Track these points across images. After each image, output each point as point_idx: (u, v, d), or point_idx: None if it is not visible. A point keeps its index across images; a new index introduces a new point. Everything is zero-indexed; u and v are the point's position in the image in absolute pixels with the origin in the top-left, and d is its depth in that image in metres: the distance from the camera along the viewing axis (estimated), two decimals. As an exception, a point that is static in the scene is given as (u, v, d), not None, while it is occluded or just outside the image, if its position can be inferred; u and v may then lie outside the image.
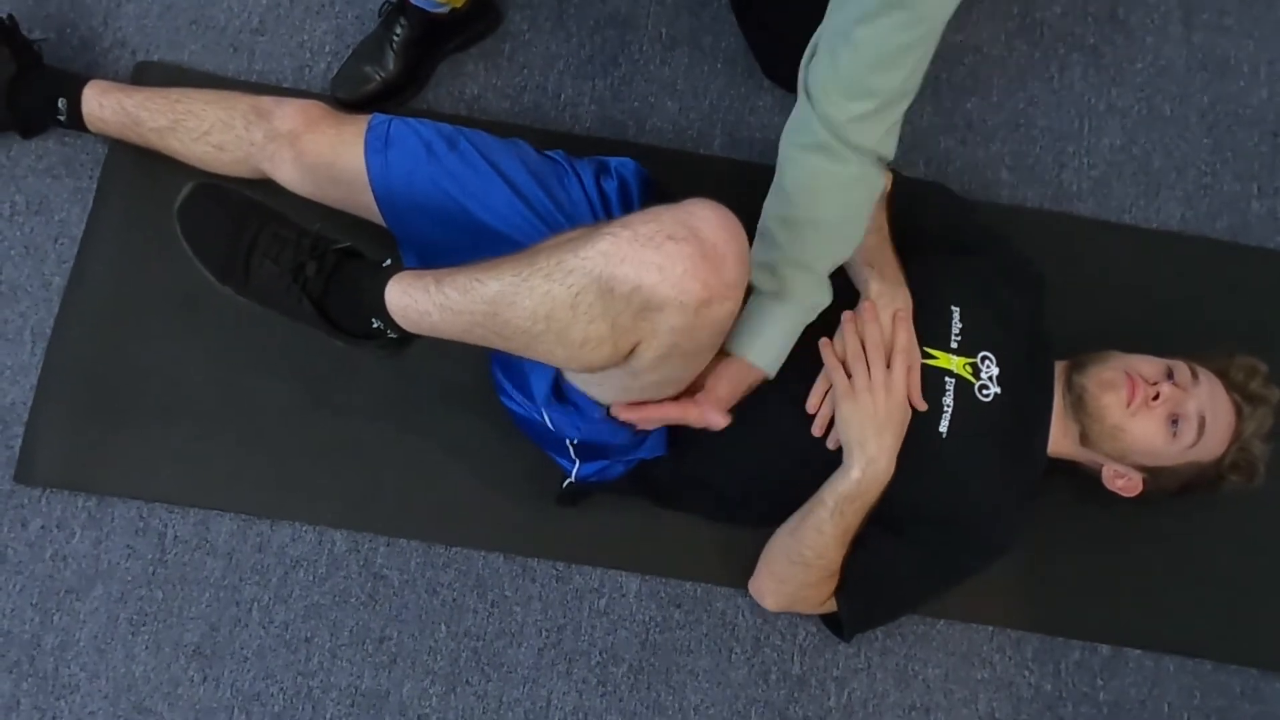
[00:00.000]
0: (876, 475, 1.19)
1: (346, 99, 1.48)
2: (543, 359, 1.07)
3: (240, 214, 1.12)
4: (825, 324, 1.23)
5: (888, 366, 1.20)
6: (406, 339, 1.13)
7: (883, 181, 1.14)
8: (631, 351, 1.00)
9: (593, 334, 0.97)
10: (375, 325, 1.10)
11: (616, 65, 1.60)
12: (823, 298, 1.19)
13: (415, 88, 1.53)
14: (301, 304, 1.10)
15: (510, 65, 1.57)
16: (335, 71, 1.51)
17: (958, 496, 1.22)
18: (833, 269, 1.19)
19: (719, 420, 1.16)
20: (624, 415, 1.16)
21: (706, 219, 0.95)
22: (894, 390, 1.19)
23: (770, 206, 1.17)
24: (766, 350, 1.18)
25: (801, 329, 1.19)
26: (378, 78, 1.48)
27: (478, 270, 1.02)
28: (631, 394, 1.13)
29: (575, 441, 1.24)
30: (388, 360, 1.18)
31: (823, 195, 1.12)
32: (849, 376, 1.20)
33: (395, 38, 1.47)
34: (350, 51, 1.51)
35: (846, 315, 1.22)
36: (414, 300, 1.06)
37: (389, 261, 1.10)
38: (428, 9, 1.45)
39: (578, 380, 1.15)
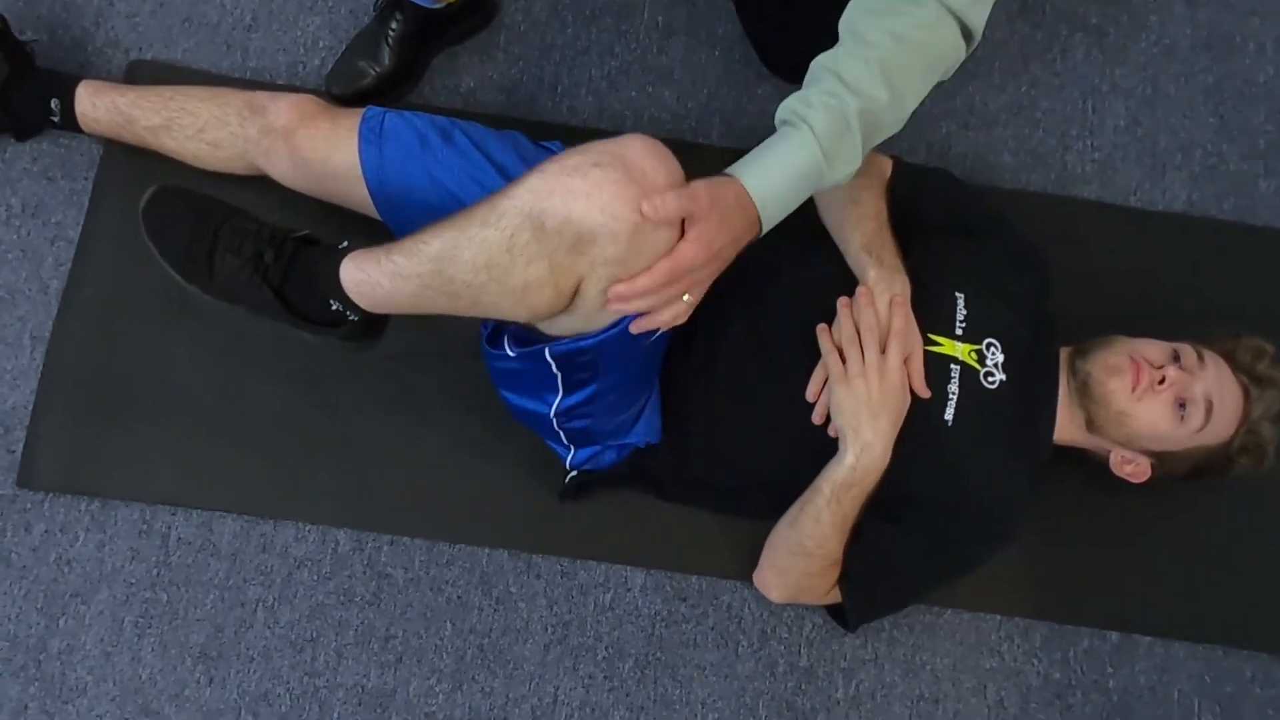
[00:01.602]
0: (872, 462, 1.17)
1: (341, 94, 1.47)
2: (490, 313, 1.06)
3: (202, 212, 1.13)
4: (826, 313, 1.22)
5: (883, 352, 1.18)
6: (371, 325, 1.12)
7: (961, 53, 1.04)
8: (576, 293, 0.99)
9: (533, 276, 0.96)
10: (335, 308, 1.09)
11: (613, 55, 1.58)
12: (844, 164, 1.03)
13: (411, 82, 1.52)
14: (262, 293, 1.10)
15: (505, 57, 1.56)
16: (330, 67, 1.50)
17: (962, 485, 1.21)
18: (870, 138, 1.05)
19: (697, 254, 0.97)
20: (615, 305, 1.00)
21: (633, 145, 0.95)
22: (888, 374, 1.17)
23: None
24: (763, 178, 1.01)
25: (808, 185, 1.03)
26: (372, 72, 1.47)
27: (423, 233, 1.02)
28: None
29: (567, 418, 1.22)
30: (359, 353, 1.18)
31: (889, 34, 1.02)
32: (844, 362, 1.18)
33: (391, 32, 1.46)
34: (345, 47, 1.50)
35: (843, 301, 1.21)
36: (366, 274, 1.05)
37: (345, 244, 1.10)
38: (424, 4, 1.43)
39: (543, 325, 1.10)
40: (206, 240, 1.11)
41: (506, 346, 1.13)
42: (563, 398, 1.17)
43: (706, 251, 0.98)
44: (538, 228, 0.94)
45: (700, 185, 0.97)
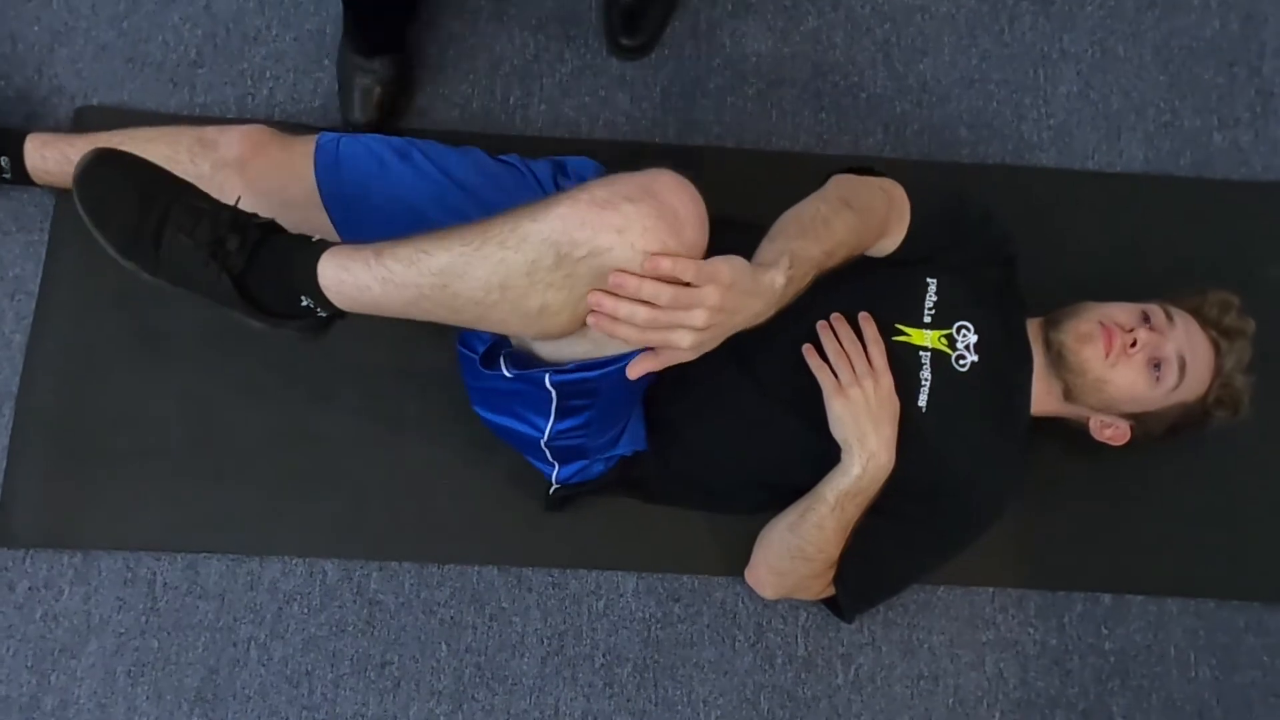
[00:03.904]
0: (878, 470, 1.18)
1: (369, 120, 1.47)
2: (494, 329, 1.04)
3: (149, 184, 1.04)
4: (798, 313, 1.19)
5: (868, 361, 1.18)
6: (333, 319, 1.07)
7: None
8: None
9: (551, 300, 0.95)
10: (305, 304, 1.04)
11: (563, 62, 1.57)
12: None
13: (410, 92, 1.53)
14: (220, 280, 1.02)
15: (454, 72, 1.55)
16: (288, 96, 1.50)
17: (943, 470, 1.21)
18: None
19: None
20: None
21: (665, 184, 0.93)
22: (881, 378, 1.18)
23: None
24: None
25: None
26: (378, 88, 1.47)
27: (423, 242, 0.98)
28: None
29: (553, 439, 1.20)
30: (312, 346, 1.10)
31: None
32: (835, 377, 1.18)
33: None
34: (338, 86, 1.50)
35: (821, 324, 1.20)
36: (352, 275, 1.00)
37: (317, 237, 1.05)
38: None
39: (543, 350, 1.10)
40: (154, 216, 1.01)
41: (503, 367, 1.10)
42: (554, 423, 1.16)
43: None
44: (562, 256, 0.92)
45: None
